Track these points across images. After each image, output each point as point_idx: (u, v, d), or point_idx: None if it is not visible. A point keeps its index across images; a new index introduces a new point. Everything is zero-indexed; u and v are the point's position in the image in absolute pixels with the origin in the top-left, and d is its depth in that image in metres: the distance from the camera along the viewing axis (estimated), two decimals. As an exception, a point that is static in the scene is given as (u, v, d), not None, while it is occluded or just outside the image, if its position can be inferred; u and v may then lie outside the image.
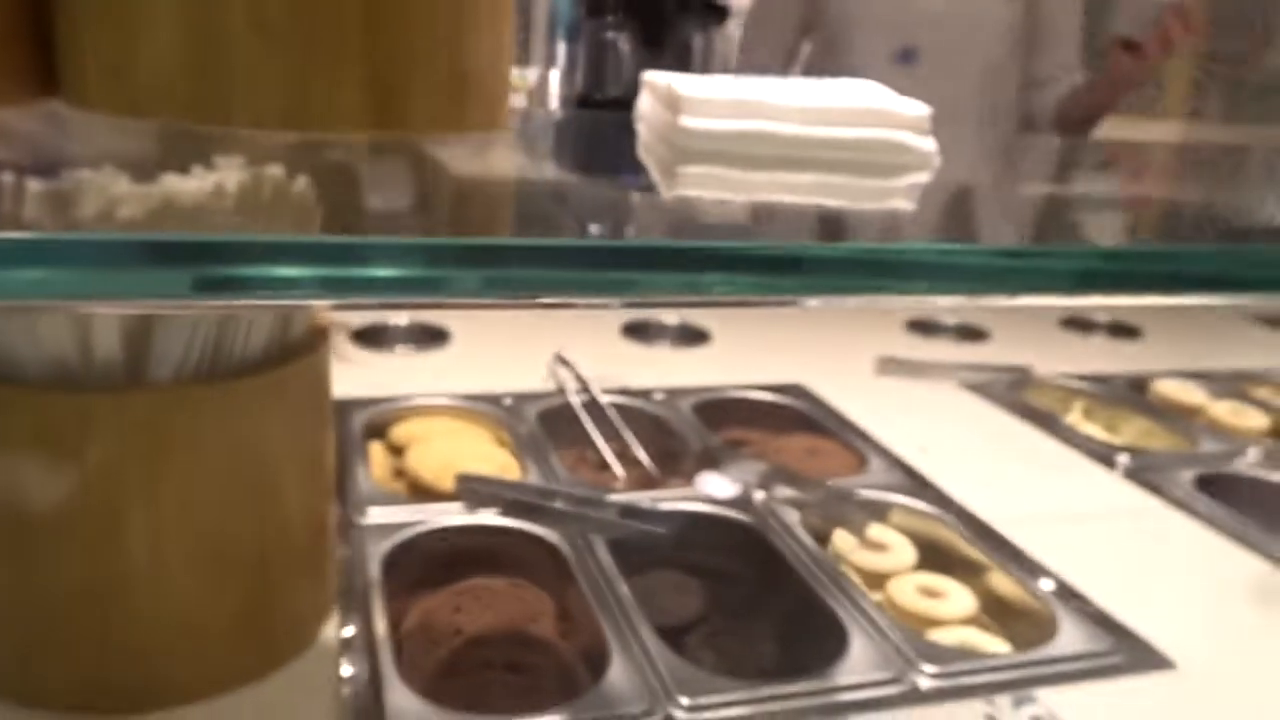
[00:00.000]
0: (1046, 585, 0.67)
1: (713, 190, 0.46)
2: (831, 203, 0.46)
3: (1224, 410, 1.02)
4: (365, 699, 0.51)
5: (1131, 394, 1.07)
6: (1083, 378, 1.09)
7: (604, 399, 0.91)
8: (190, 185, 0.55)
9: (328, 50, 0.37)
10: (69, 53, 0.39)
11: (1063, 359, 1.17)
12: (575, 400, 0.90)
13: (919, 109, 0.47)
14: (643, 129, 0.55)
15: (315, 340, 0.54)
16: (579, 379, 0.92)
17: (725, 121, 0.45)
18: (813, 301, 0.32)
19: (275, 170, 0.55)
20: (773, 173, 0.46)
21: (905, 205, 0.47)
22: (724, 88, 0.47)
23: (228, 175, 0.55)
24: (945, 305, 1.22)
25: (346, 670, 0.53)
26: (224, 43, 0.36)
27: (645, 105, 0.56)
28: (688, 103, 0.46)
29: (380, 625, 0.57)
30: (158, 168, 0.54)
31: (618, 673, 0.54)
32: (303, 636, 0.55)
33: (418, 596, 0.63)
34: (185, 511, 0.47)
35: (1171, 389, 1.08)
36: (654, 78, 0.52)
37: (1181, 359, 1.19)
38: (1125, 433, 1.03)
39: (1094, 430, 1.03)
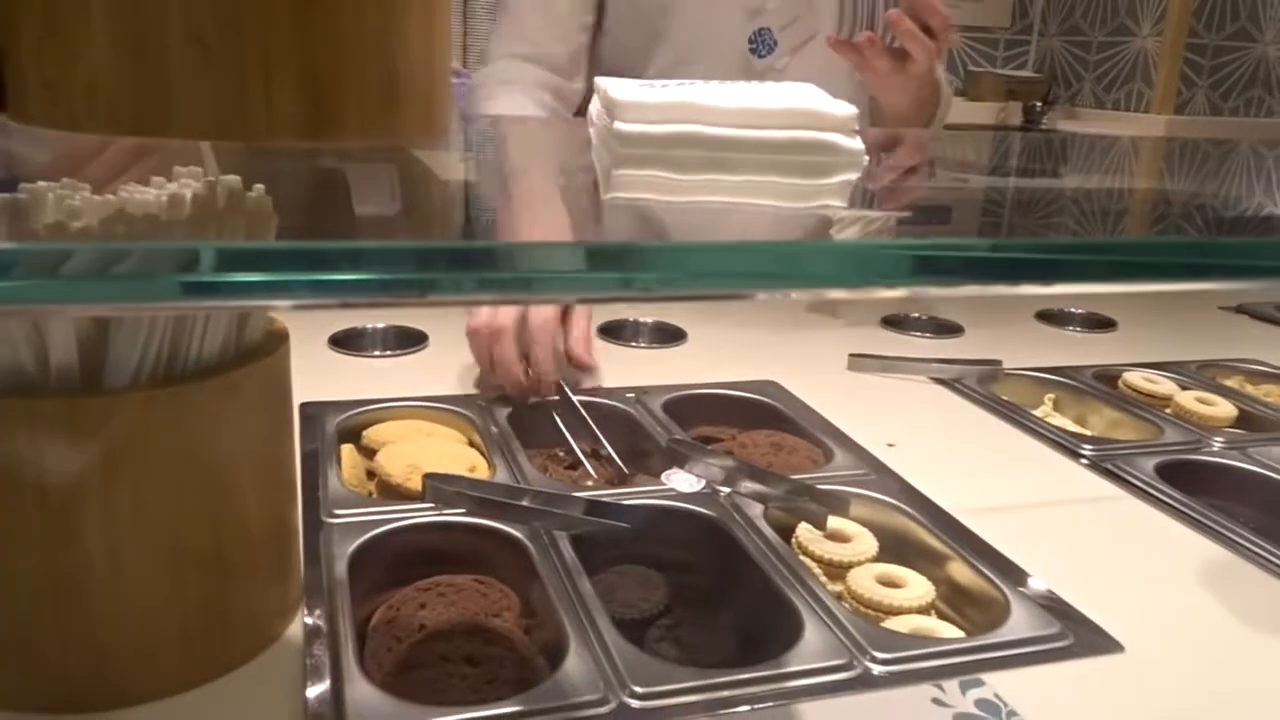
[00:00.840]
0: (1002, 572, 0.68)
1: (646, 193, 0.47)
2: (762, 202, 0.48)
3: (1191, 400, 1.03)
4: (324, 694, 0.52)
5: (1101, 386, 1.08)
6: (1053, 370, 1.11)
7: (574, 398, 0.92)
8: (148, 196, 0.56)
9: (260, 61, 0.38)
10: (12, 68, 0.40)
11: (1037, 352, 1.18)
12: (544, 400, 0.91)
13: (847, 109, 0.48)
14: (592, 133, 0.57)
15: (272, 344, 0.55)
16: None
17: (658, 125, 0.47)
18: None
19: (231, 179, 0.57)
20: (706, 175, 0.47)
21: (836, 203, 0.48)
22: (660, 92, 0.48)
23: (185, 186, 0.57)
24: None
25: (307, 666, 0.54)
26: (160, 57, 0.38)
27: (593, 109, 0.58)
28: (621, 107, 0.47)
29: (344, 622, 0.58)
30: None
31: (574, 664, 0.55)
32: (264, 634, 0.56)
33: (383, 594, 0.64)
34: (141, 513, 0.48)
35: (1140, 380, 1.09)
36: (600, 82, 0.53)
37: (1155, 351, 1.21)
38: (1094, 424, 1.05)
39: (1063, 422, 1.04)
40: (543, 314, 0.87)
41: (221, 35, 0.38)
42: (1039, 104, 3.71)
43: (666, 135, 0.47)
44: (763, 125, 0.47)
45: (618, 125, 0.47)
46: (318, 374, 0.99)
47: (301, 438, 0.83)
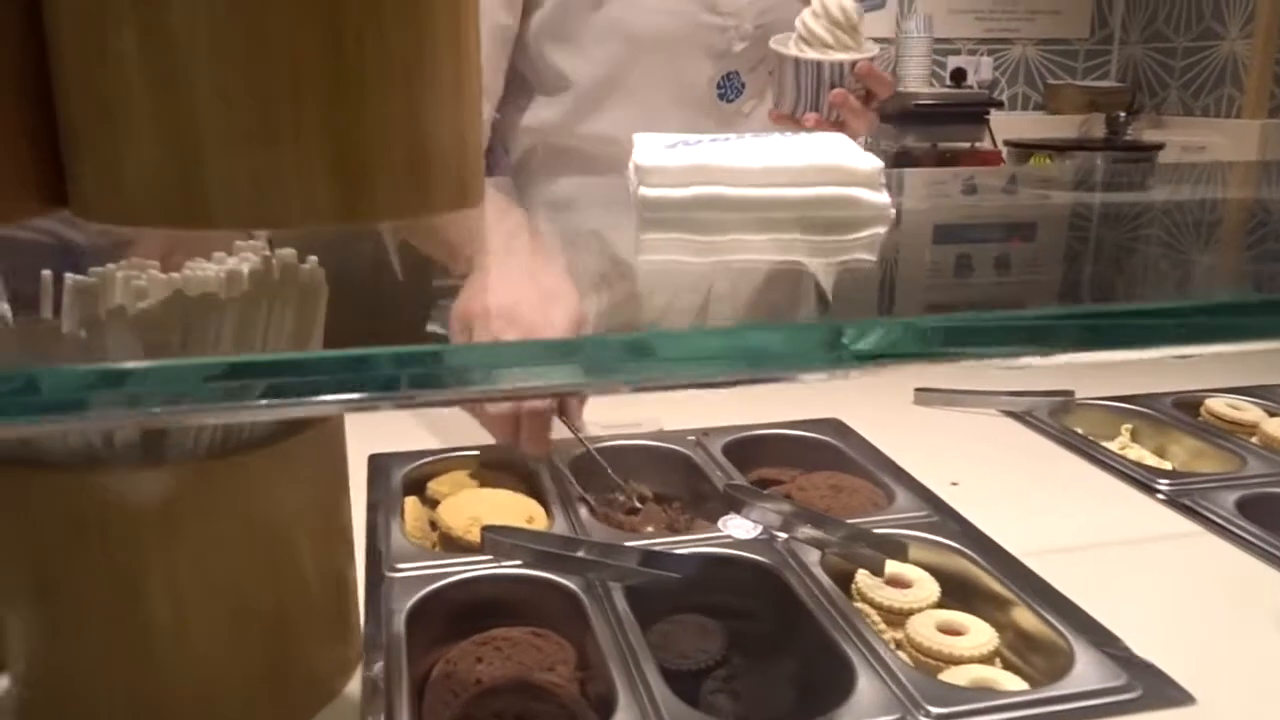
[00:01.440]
0: (1067, 619, 0.66)
1: (674, 255, 0.48)
2: (789, 258, 0.48)
3: (1278, 427, 0.99)
4: (378, 752, 0.53)
5: (1181, 415, 1.04)
6: (1129, 399, 1.07)
7: (631, 443, 0.93)
8: (209, 273, 0.59)
9: (292, 151, 0.40)
10: (71, 165, 0.43)
11: (1114, 379, 1.14)
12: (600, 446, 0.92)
13: (873, 163, 0.48)
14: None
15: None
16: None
17: (680, 189, 0.48)
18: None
19: (286, 253, 0.59)
20: (732, 235, 0.48)
21: (866, 257, 0.48)
22: (683, 153, 0.49)
23: (243, 261, 0.60)
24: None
25: (364, 723, 0.56)
26: (199, 152, 0.40)
27: (630, 172, 0.58)
28: (645, 172, 0.48)
29: (401, 678, 0.59)
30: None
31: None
32: (324, 691, 0.58)
33: (442, 647, 0.65)
34: (202, 578, 0.51)
35: (1223, 407, 1.05)
36: (635, 139, 0.54)
37: (1242, 374, 1.16)
38: (1175, 455, 1.01)
39: (1141, 454, 1.01)
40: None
41: (254, 128, 0.40)
42: (1123, 114, 3.61)
43: (690, 199, 0.47)
44: (787, 183, 0.48)
45: (642, 191, 0.48)
46: (389, 424, 1.02)
47: (369, 489, 0.86)
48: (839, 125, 0.93)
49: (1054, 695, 0.59)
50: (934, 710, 0.57)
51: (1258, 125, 3.27)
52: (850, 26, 0.90)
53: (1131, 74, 3.89)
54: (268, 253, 0.58)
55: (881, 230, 0.47)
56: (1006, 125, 3.52)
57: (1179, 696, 0.59)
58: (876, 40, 3.61)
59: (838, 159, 0.48)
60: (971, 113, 3.38)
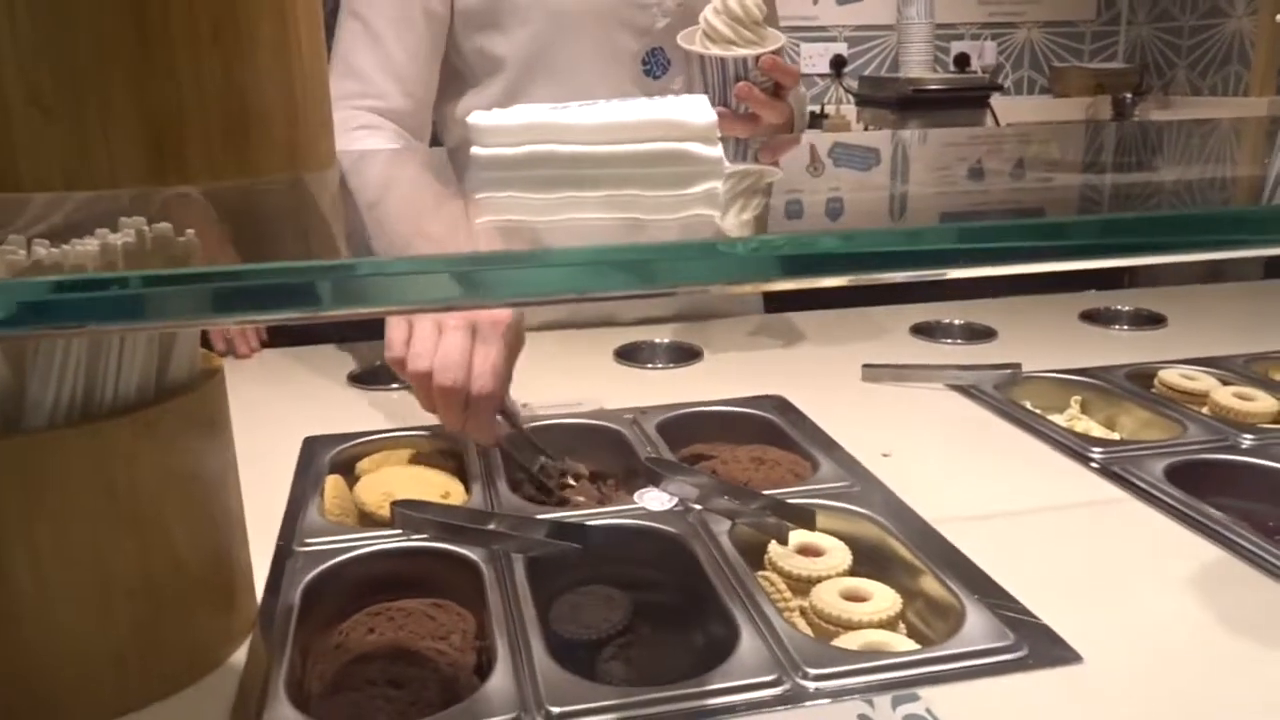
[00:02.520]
0: (968, 583, 0.65)
1: (507, 215, 0.48)
2: (628, 215, 0.48)
3: (1228, 396, 0.97)
4: (245, 717, 0.54)
5: (1132, 386, 1.03)
6: (1081, 371, 1.06)
7: (568, 421, 0.93)
8: (89, 248, 0.60)
9: (99, 114, 0.41)
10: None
11: (1077, 354, 1.12)
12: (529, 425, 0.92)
13: (707, 117, 0.48)
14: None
15: (198, 381, 0.58)
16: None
17: (514, 148, 0.48)
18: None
19: (162, 227, 0.60)
20: (567, 192, 0.48)
21: (706, 211, 0.48)
22: (520, 113, 0.49)
23: (118, 236, 0.60)
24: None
25: (240, 691, 0.56)
26: (5, 115, 0.40)
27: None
28: (477, 132, 0.48)
29: (286, 647, 0.60)
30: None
31: (496, 684, 0.56)
32: (206, 661, 0.58)
33: (337, 620, 0.66)
34: (64, 547, 0.51)
35: (1176, 378, 1.03)
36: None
37: (1208, 347, 1.14)
38: (1124, 426, 1.00)
39: (1089, 425, 1.00)
40: (483, 379, 0.80)
41: (59, 93, 0.40)
42: (1129, 96, 3.56)
43: (522, 156, 0.47)
44: (620, 139, 0.47)
45: (474, 150, 0.48)
46: (334, 409, 1.03)
47: (297, 470, 0.86)
48: (751, 118, 0.93)
49: (936, 655, 0.58)
50: (811, 671, 0.57)
51: (1265, 102, 3.21)
52: (752, 21, 0.90)
53: (1139, 55, 3.83)
54: (145, 228, 0.59)
55: (716, 184, 0.47)
56: (1011, 110, 3.48)
57: (1066, 656, 0.58)
58: (878, 28, 3.60)
59: (671, 114, 0.48)
60: (973, 98, 3.34)
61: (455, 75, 1.17)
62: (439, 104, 1.19)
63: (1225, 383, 1.02)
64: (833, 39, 3.60)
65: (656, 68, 1.14)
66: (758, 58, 0.92)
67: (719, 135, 0.48)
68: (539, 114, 0.48)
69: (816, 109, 3.40)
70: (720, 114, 0.93)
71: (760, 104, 0.92)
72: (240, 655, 0.60)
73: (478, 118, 0.48)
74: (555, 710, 0.54)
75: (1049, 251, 0.40)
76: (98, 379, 0.52)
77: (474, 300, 0.38)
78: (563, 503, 0.84)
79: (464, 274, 0.36)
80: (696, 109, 0.48)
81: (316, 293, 0.35)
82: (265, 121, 0.45)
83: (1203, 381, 1.03)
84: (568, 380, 1.09)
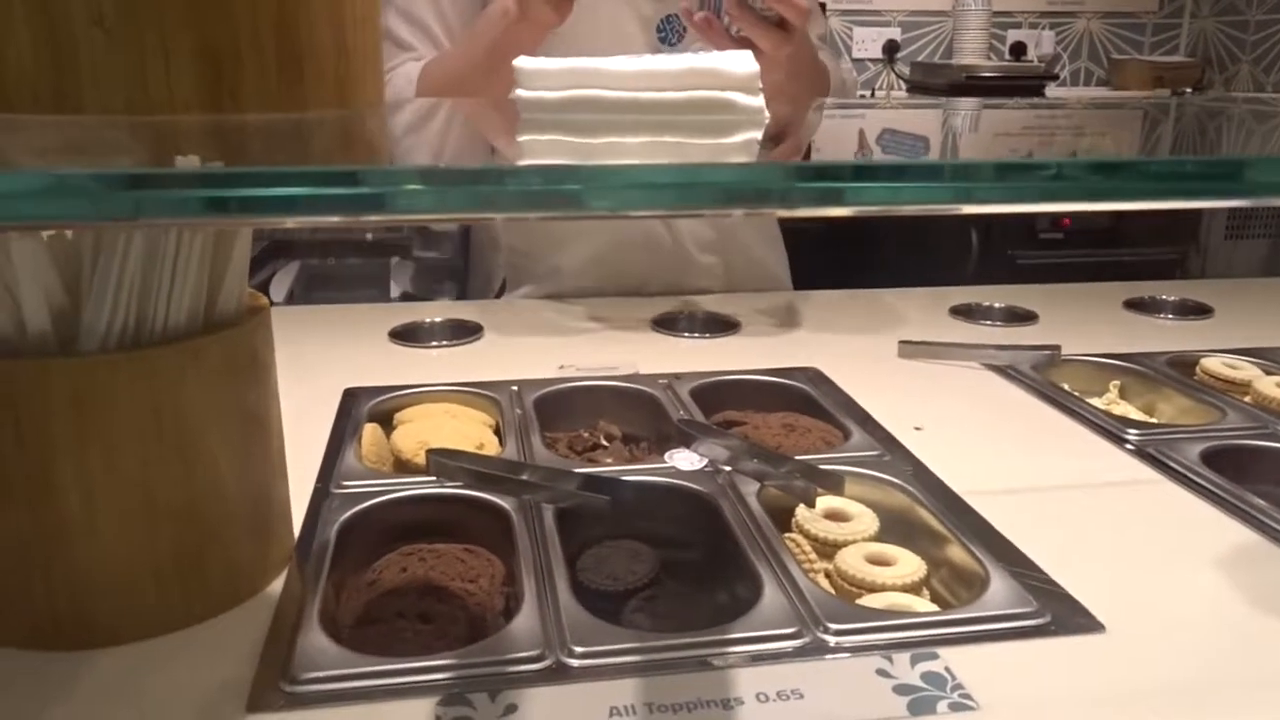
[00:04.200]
0: (994, 552, 0.66)
1: (548, 157, 0.48)
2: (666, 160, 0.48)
3: (1271, 385, 0.96)
4: (280, 642, 0.56)
5: (1172, 372, 1.01)
6: (1121, 356, 1.05)
7: (601, 383, 0.94)
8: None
9: (158, 41, 0.42)
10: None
11: (1119, 340, 1.12)
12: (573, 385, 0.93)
13: (749, 66, 0.48)
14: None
15: (245, 316, 0.59)
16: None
17: (557, 91, 0.48)
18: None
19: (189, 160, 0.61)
20: (608, 137, 0.49)
21: (744, 160, 0.48)
22: (564, 59, 0.50)
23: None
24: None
25: (275, 617, 0.58)
26: (70, 41, 0.42)
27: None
28: (523, 74, 0.49)
29: (321, 579, 0.62)
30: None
31: (521, 623, 0.57)
32: (244, 588, 0.60)
33: (370, 559, 0.67)
34: (111, 467, 0.53)
35: (1218, 366, 1.02)
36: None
37: (1252, 338, 1.12)
38: (1163, 412, 0.99)
39: (1127, 410, 0.99)
40: None
41: (120, 15, 0.42)
42: (1189, 90, 3.49)
43: (566, 100, 0.48)
44: (662, 86, 0.48)
45: (519, 92, 0.49)
46: (374, 364, 1.05)
47: (336, 418, 0.88)
48: (742, 41, 0.91)
49: (958, 617, 0.59)
50: (832, 626, 0.57)
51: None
52: None
53: (1201, 49, 3.75)
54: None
55: (756, 134, 0.48)
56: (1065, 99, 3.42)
57: (1089, 624, 0.58)
58: (933, 13, 3.55)
59: (713, 63, 0.48)
60: (1027, 86, 3.29)
61: None
62: None
63: (1269, 373, 1.01)
64: (886, 23, 3.56)
65: (672, 34, 1.14)
66: None
67: (760, 86, 0.48)
68: (582, 60, 0.49)
69: (868, 93, 3.37)
70: (706, 19, 0.92)
71: (751, 27, 0.90)
72: (276, 586, 0.62)
73: (522, 62, 0.49)
74: (579, 650, 0.55)
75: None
76: (149, 308, 0.54)
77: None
78: (590, 463, 0.85)
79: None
80: (739, 59, 0.49)
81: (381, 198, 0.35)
82: (317, 55, 0.46)
83: (1246, 371, 1.01)
84: (605, 346, 1.11)
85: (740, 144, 0.48)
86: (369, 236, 2.70)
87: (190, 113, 0.43)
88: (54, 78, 0.42)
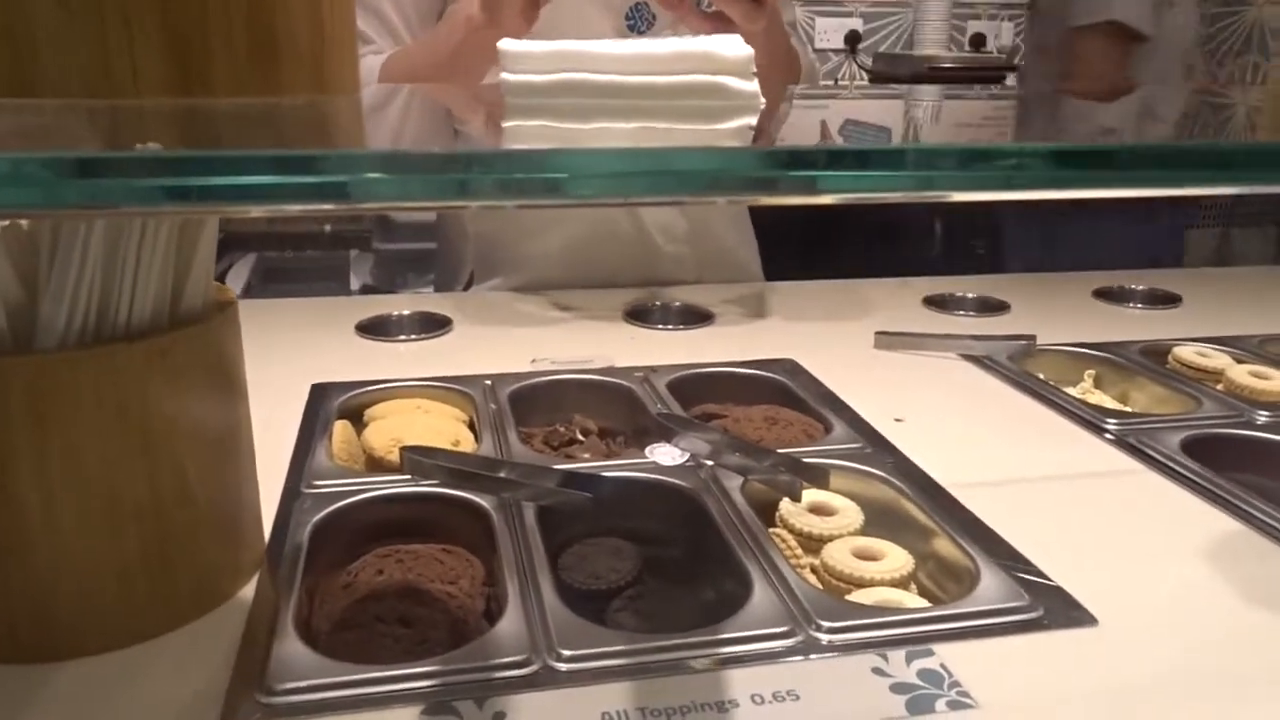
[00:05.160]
0: (983, 545, 0.65)
1: (534, 143, 0.46)
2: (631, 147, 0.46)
3: (1244, 374, 0.96)
4: (255, 650, 0.53)
5: (1146, 361, 1.02)
6: (1095, 346, 1.05)
7: (575, 377, 0.92)
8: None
9: (121, 21, 0.40)
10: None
11: (1089, 329, 1.12)
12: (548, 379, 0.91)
13: (742, 50, 0.47)
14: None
15: (211, 312, 0.57)
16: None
17: (544, 75, 0.46)
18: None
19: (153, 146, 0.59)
20: (597, 123, 0.47)
21: (740, 145, 0.47)
22: (551, 42, 0.48)
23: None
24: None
25: (248, 624, 0.56)
26: (30, 23, 0.39)
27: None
28: (508, 57, 0.47)
29: (295, 584, 0.59)
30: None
31: (506, 627, 0.55)
32: (214, 594, 0.58)
33: (344, 561, 0.65)
34: (72, 469, 0.50)
35: (1191, 355, 1.03)
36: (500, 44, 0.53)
37: (1222, 326, 1.13)
38: (1137, 401, 0.99)
39: (1102, 399, 0.99)
40: None
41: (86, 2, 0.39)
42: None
43: (553, 84, 0.46)
44: (653, 71, 0.46)
45: (504, 76, 0.47)
46: (341, 358, 1.02)
47: (305, 415, 0.86)
48: (716, 16, 0.90)
49: (952, 613, 0.58)
50: (825, 624, 0.56)
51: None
52: None
53: (1156, 40, 3.79)
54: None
55: (751, 120, 0.46)
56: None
57: (1081, 618, 0.58)
58: (895, 4, 3.56)
59: (705, 46, 0.46)
60: (987, 77, 3.31)
61: None
62: None
63: (1240, 361, 1.01)
64: (848, 14, 3.56)
65: (641, 22, 1.13)
66: None
67: (754, 70, 0.47)
68: (569, 43, 0.47)
69: (830, 84, 3.37)
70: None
71: (724, 2, 0.89)
72: (248, 592, 0.60)
73: (506, 44, 0.47)
74: (567, 653, 0.53)
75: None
76: (111, 303, 0.51)
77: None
78: (567, 458, 0.83)
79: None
80: (731, 43, 0.47)
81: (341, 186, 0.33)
82: (293, 42, 0.44)
83: (1217, 359, 1.02)
84: (577, 338, 1.09)
85: (734, 130, 0.46)
86: (327, 228, 2.65)
87: (157, 96, 0.41)
88: (10, 57, 0.40)
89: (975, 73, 3.31)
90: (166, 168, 0.33)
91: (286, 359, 1.01)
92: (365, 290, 2.45)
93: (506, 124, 0.47)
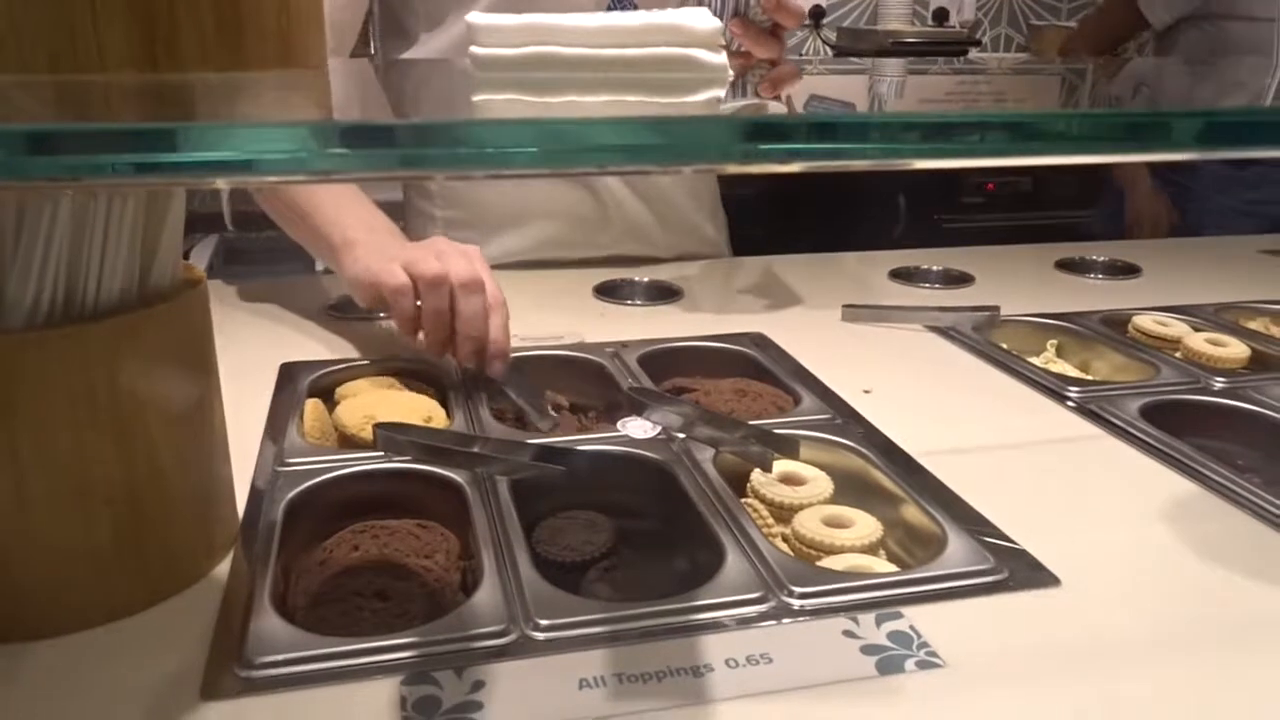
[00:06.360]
0: (949, 511, 0.66)
1: (504, 115, 0.46)
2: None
3: (1200, 341, 0.99)
4: (232, 626, 0.53)
5: (1106, 330, 1.04)
6: (1056, 316, 1.07)
7: (550, 353, 0.92)
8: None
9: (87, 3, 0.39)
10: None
11: (1052, 300, 1.14)
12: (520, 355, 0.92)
13: (711, 23, 0.47)
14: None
15: (181, 290, 0.56)
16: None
17: (515, 48, 0.46)
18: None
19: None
20: (567, 96, 0.47)
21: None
22: (521, 16, 0.48)
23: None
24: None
25: (225, 601, 0.56)
26: (-11, -5, 0.39)
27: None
28: (478, 31, 0.47)
29: (269, 562, 0.59)
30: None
31: (483, 598, 0.56)
32: (189, 572, 0.58)
33: (319, 539, 0.65)
34: (42, 450, 0.50)
35: (1149, 323, 1.05)
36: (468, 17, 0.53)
37: (1180, 295, 1.15)
38: (1098, 369, 1.01)
39: (1064, 368, 1.01)
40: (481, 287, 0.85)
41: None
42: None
43: (523, 57, 0.46)
44: (622, 43, 0.46)
45: (473, 50, 0.47)
46: (310, 338, 1.01)
47: (275, 394, 0.85)
48: (744, 55, 0.91)
49: (920, 576, 0.59)
50: (797, 589, 0.57)
51: (1245, 66, 3.23)
52: None
53: (1116, 15, 3.83)
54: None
55: (719, 93, 0.46)
56: (987, 64, 3.47)
57: (1045, 579, 0.59)
58: (859, -23, 3.56)
59: (675, 19, 0.47)
60: (950, 52, 3.33)
61: (398, 28, 1.14)
62: (386, 59, 1.16)
63: (1197, 329, 1.03)
64: (812, -12, 3.56)
65: (621, 10, 1.12)
66: None
67: (722, 43, 0.47)
68: (539, 16, 0.47)
69: (794, 59, 3.37)
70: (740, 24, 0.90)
71: (753, 41, 0.90)
72: (222, 570, 0.60)
73: (476, 17, 0.47)
74: (544, 623, 0.54)
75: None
76: (78, 282, 0.51)
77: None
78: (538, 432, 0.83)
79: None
80: (700, 15, 0.47)
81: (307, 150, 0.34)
82: (259, 15, 0.44)
83: (1175, 328, 1.04)
84: (548, 315, 1.09)
85: (704, 102, 0.47)
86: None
87: (122, 69, 0.41)
88: (-30, 32, 0.39)
89: (939, 47, 3.33)
90: (128, 140, 0.33)
91: (253, 338, 1.00)
92: (330, 270, 2.43)
93: (476, 98, 0.47)
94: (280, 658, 0.50)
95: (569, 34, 0.46)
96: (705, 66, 0.46)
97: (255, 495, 0.67)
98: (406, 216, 1.45)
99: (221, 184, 0.36)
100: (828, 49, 3.49)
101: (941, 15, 3.66)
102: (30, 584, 0.52)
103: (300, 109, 0.45)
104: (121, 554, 0.54)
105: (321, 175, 0.36)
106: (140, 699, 0.49)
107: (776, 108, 0.70)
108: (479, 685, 0.49)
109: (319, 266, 2.43)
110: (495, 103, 0.47)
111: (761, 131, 0.39)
